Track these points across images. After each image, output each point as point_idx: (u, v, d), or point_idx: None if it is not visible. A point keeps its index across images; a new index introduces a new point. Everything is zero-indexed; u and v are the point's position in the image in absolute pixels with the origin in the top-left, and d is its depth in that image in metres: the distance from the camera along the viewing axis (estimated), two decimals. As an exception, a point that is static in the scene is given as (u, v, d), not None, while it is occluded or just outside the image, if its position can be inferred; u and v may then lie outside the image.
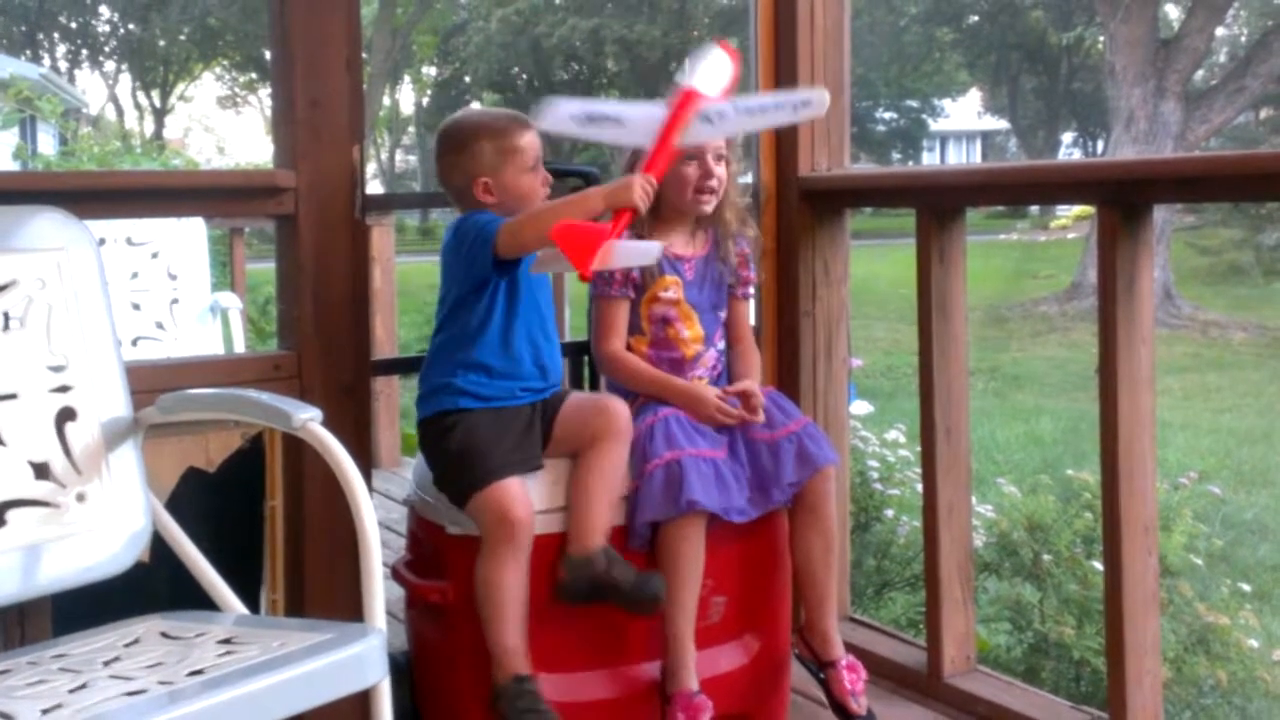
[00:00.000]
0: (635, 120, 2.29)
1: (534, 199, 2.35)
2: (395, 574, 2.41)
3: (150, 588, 2.04)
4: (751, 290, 2.65)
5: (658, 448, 2.33)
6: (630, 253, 2.27)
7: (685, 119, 2.26)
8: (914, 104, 33.62)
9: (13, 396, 1.94)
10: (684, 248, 2.54)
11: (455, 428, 2.28)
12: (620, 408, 2.34)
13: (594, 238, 2.09)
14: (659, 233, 2.48)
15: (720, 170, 2.46)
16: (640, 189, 2.17)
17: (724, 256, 2.56)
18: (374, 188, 33.12)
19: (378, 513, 1.84)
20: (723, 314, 2.57)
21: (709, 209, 2.50)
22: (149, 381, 2.13)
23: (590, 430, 2.31)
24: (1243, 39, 27.48)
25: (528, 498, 2.22)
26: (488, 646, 2.19)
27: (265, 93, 33.58)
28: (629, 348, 2.50)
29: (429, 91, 36.12)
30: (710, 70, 2.30)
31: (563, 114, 2.28)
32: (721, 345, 2.58)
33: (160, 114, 34.92)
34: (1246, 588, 4.51)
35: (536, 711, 2.16)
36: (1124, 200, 2.32)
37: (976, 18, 29.74)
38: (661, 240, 2.43)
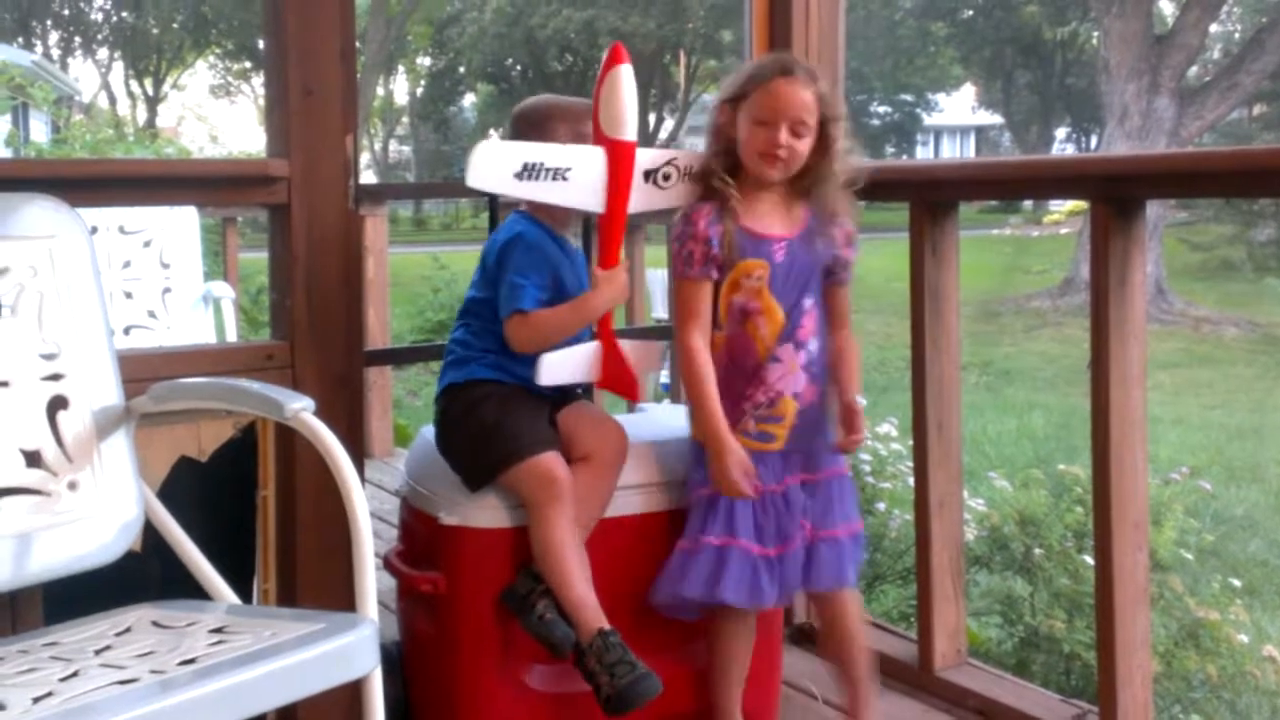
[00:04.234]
0: (577, 173, 2.21)
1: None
2: (387, 564, 2.41)
3: (142, 577, 2.04)
4: (847, 275, 2.35)
5: (716, 525, 2.25)
6: (647, 351, 2.39)
7: (630, 180, 2.24)
8: (908, 98, 33.62)
9: (4, 384, 1.93)
10: (775, 224, 2.28)
11: (490, 398, 2.28)
12: (617, 433, 2.32)
13: (621, 370, 2.33)
14: (747, 203, 2.26)
15: (789, 140, 2.21)
16: (622, 290, 2.24)
17: (824, 233, 2.28)
18: (367, 178, 33.09)
19: (370, 503, 1.84)
20: (809, 302, 2.28)
21: (776, 177, 2.25)
22: (141, 370, 2.13)
23: (585, 447, 2.30)
24: (1236, 35, 27.49)
25: (568, 471, 2.23)
26: (563, 608, 2.18)
27: (259, 81, 33.51)
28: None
29: (423, 82, 36.07)
30: (631, 104, 2.21)
31: (497, 166, 2.15)
32: (815, 347, 2.30)
33: (153, 102, 34.81)
34: (1237, 583, 4.53)
35: (628, 663, 2.12)
36: (1117, 196, 2.32)
37: (971, 12, 29.73)
38: (748, 212, 2.25)
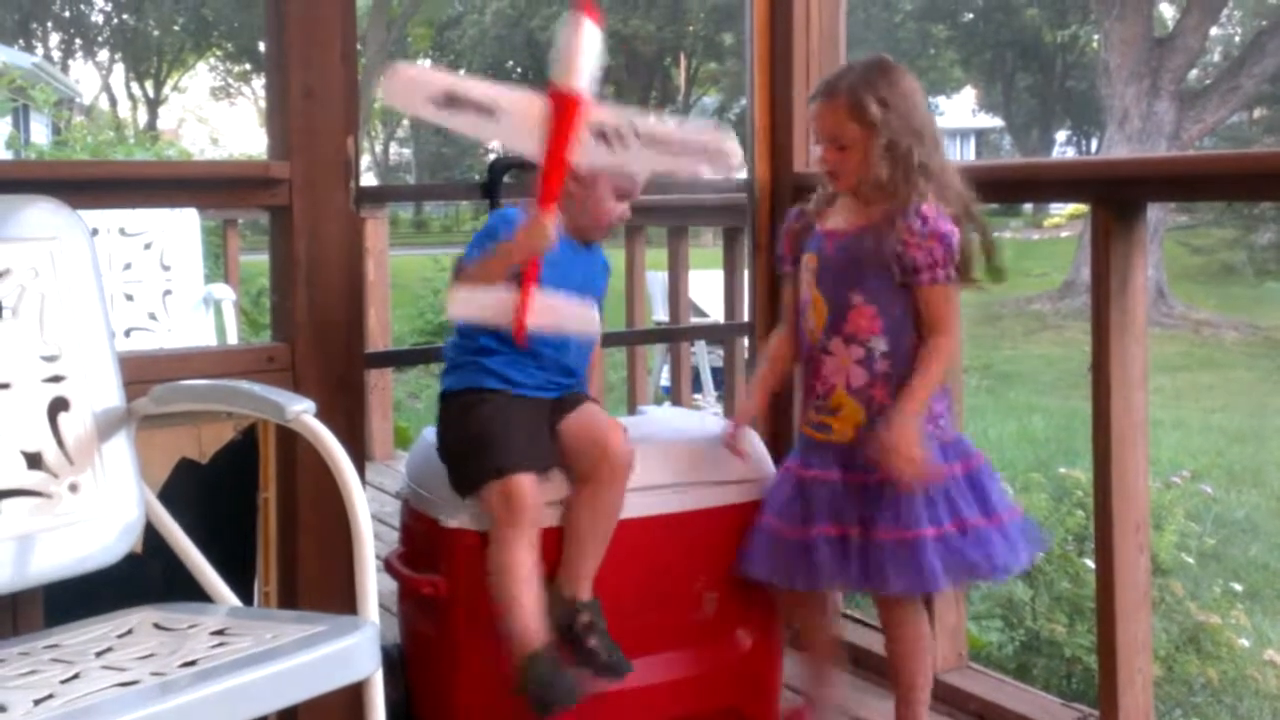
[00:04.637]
0: (510, 114, 2.07)
1: (605, 222, 2.34)
2: (388, 566, 2.41)
3: (143, 579, 2.04)
4: (928, 276, 2.24)
5: (764, 504, 2.38)
6: (562, 311, 2.20)
7: (574, 131, 2.06)
8: (908, 101, 33.56)
9: (5, 386, 1.93)
10: (840, 221, 2.34)
11: (477, 407, 2.26)
12: (621, 446, 2.25)
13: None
14: (833, 206, 2.36)
15: (831, 155, 2.28)
16: (551, 232, 2.11)
17: (887, 231, 2.25)
18: (368, 180, 33.10)
19: (371, 505, 1.84)
20: (860, 298, 2.28)
21: (835, 188, 2.35)
22: (142, 372, 2.12)
23: (588, 462, 2.26)
24: (1237, 39, 27.52)
25: (539, 494, 2.21)
26: (503, 634, 2.17)
27: (259, 84, 33.51)
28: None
29: (424, 84, 35.99)
30: (588, 57, 2.06)
31: (414, 88, 2.07)
32: (881, 346, 2.28)
33: (154, 104, 34.84)
34: (1238, 587, 4.53)
35: (554, 680, 2.12)
36: (1117, 199, 2.32)
37: (971, 15, 29.76)
38: (827, 213, 2.34)
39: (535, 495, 2.20)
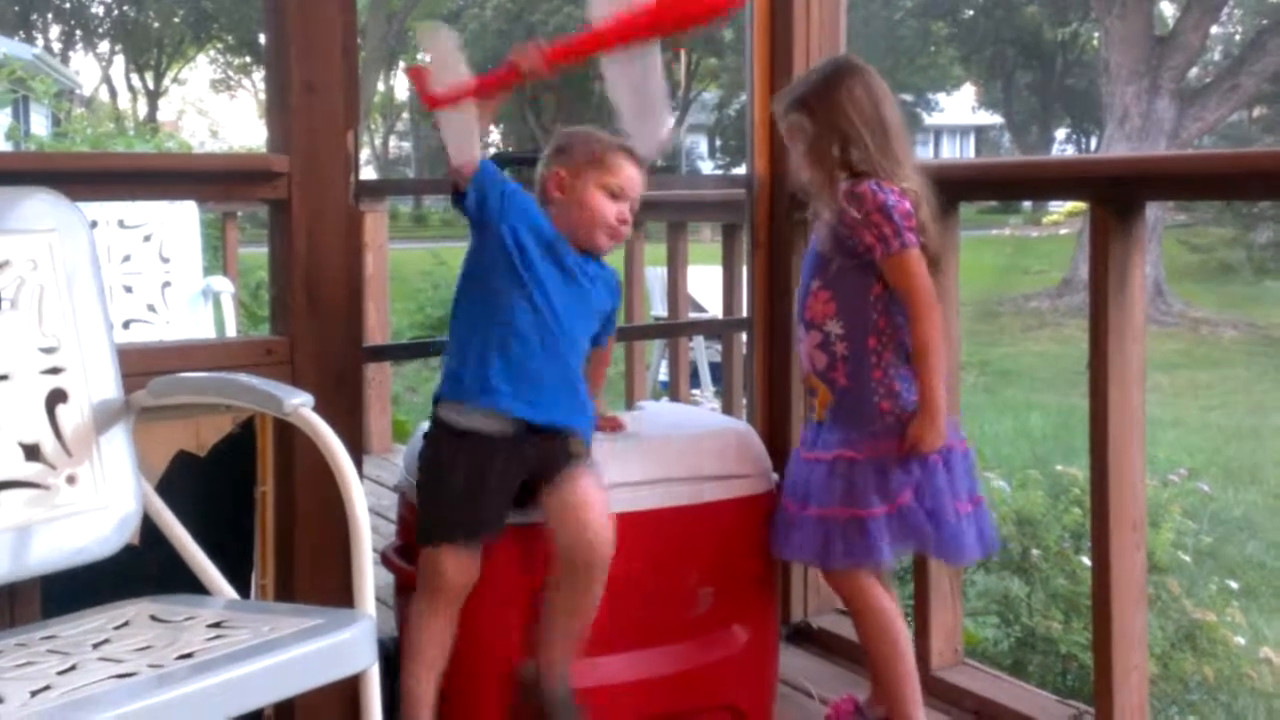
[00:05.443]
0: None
1: (597, 221, 2.25)
2: (385, 559, 2.41)
3: (140, 571, 2.04)
4: (880, 250, 2.27)
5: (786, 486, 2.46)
6: (452, 120, 2.15)
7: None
8: (909, 98, 33.60)
9: (4, 377, 1.93)
10: (825, 212, 2.40)
11: (432, 453, 2.24)
12: (604, 540, 2.16)
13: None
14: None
15: (795, 159, 2.46)
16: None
17: (839, 227, 2.33)
18: (367, 173, 33.11)
19: (368, 498, 1.84)
20: (817, 284, 2.38)
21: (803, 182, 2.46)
22: (140, 364, 2.12)
23: (568, 555, 2.16)
24: (1237, 37, 27.51)
25: (471, 567, 2.17)
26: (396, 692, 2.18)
27: (259, 76, 33.51)
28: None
29: (423, 78, 35.97)
30: None
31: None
32: (835, 330, 2.35)
33: (154, 96, 34.82)
34: (1234, 585, 4.53)
35: None
36: (1116, 197, 2.32)
37: (972, 12, 29.76)
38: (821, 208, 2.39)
39: (463, 569, 2.16)
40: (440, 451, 2.23)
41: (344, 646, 1.64)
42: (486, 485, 2.17)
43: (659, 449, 2.42)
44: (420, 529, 2.22)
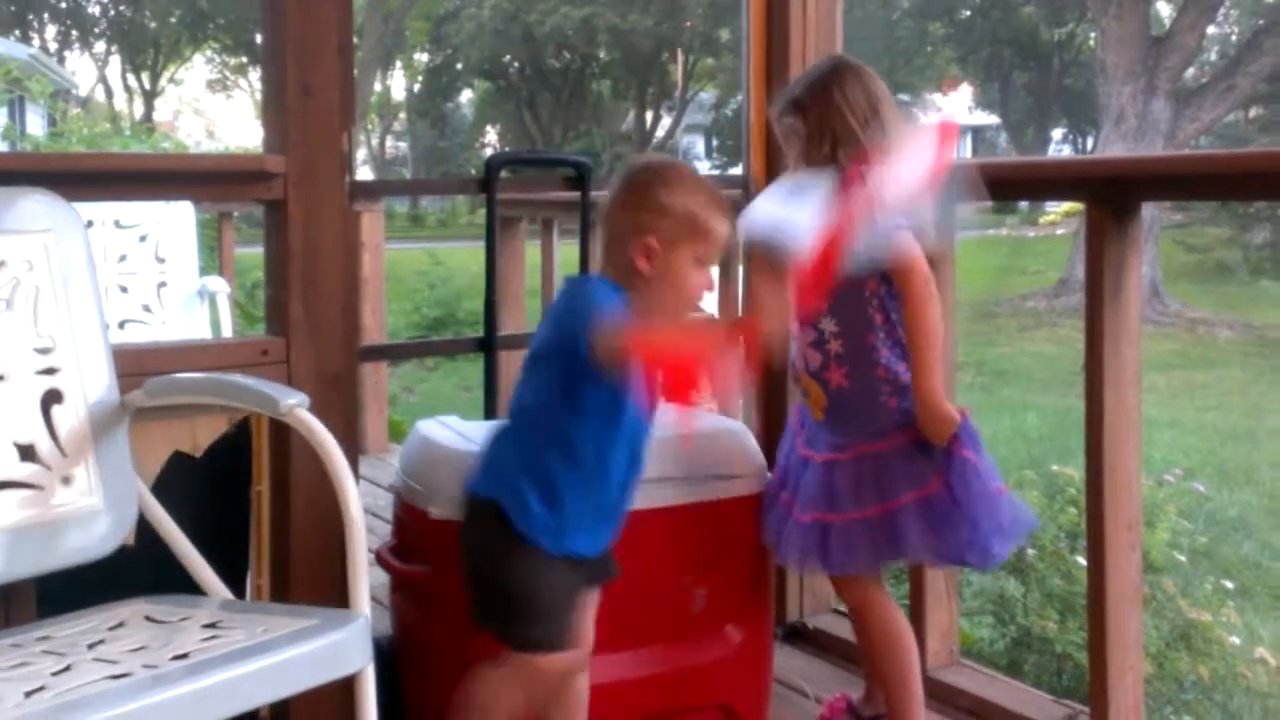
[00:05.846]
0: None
1: (688, 301, 1.98)
2: (380, 559, 2.41)
3: (135, 571, 2.04)
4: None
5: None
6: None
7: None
8: (905, 98, 33.59)
9: (-1, 378, 1.93)
10: None
11: (524, 557, 1.95)
12: (579, 700, 2.15)
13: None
14: None
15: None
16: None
17: None
18: (364, 174, 33.07)
19: (364, 499, 1.84)
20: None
21: None
22: (136, 365, 2.12)
23: (554, 705, 2.12)
24: (1233, 37, 27.51)
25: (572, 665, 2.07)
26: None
27: (255, 77, 33.49)
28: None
29: (420, 78, 36.02)
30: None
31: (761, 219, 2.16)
32: (830, 327, 2.35)
33: (150, 96, 34.75)
34: (1229, 585, 4.54)
35: None
36: (1113, 198, 2.32)
37: (969, 12, 29.75)
38: None
39: (568, 670, 2.08)
40: (525, 542, 1.96)
41: (339, 647, 1.64)
42: (577, 584, 2.04)
43: (654, 449, 2.41)
44: (541, 638, 1.98)
